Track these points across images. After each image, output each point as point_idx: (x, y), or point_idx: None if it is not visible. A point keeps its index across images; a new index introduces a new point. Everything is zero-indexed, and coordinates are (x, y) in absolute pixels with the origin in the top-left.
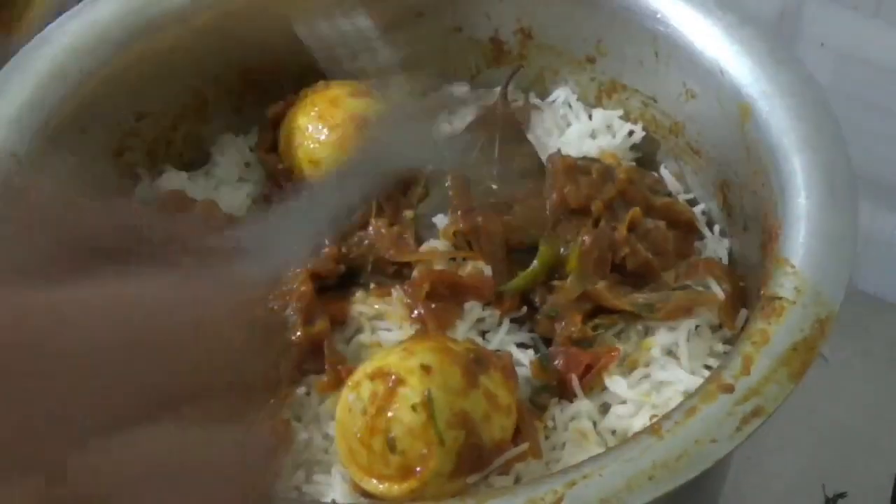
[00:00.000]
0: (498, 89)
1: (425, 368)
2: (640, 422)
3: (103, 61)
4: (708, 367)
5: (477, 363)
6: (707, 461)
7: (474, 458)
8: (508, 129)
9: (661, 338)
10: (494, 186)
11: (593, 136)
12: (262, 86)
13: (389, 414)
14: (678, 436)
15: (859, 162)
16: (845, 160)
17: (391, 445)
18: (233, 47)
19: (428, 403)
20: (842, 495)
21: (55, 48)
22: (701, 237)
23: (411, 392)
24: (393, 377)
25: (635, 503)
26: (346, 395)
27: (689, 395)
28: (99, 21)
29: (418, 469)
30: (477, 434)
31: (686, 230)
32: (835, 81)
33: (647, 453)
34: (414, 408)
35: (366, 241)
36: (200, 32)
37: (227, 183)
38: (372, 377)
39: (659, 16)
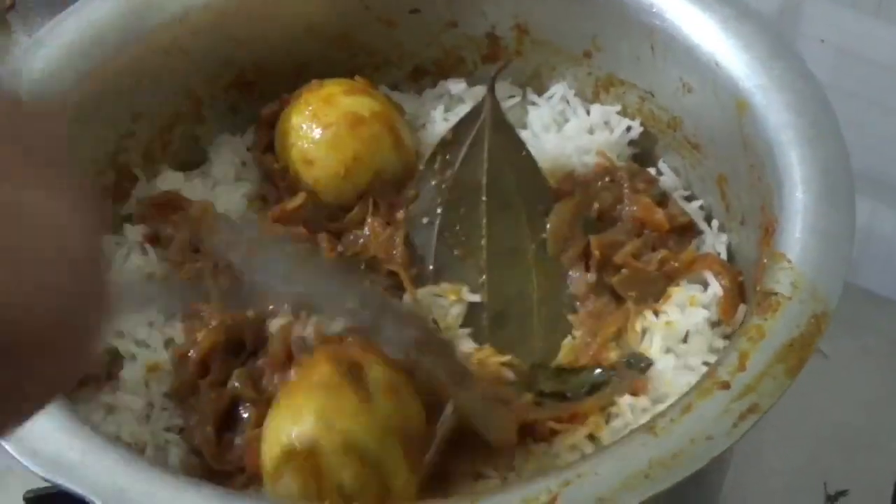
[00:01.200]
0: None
1: (320, 415)
2: (640, 420)
3: (99, 62)
4: (707, 364)
5: (353, 368)
6: (703, 459)
7: (417, 447)
8: (498, 126)
9: (660, 336)
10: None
11: (591, 131)
12: (257, 86)
13: (327, 475)
14: (674, 433)
15: (859, 158)
16: (843, 155)
17: (346, 498)
18: (228, 47)
19: (352, 443)
20: (843, 493)
21: (50, 49)
22: (700, 232)
23: (328, 443)
24: (304, 445)
25: (631, 502)
26: (275, 488)
27: (685, 392)
28: (94, 21)
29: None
30: (403, 430)
31: (683, 231)
32: (835, 78)
33: (642, 451)
34: (344, 453)
35: (361, 241)
36: (196, 32)
37: (223, 183)
38: (285, 459)
39: (655, 10)
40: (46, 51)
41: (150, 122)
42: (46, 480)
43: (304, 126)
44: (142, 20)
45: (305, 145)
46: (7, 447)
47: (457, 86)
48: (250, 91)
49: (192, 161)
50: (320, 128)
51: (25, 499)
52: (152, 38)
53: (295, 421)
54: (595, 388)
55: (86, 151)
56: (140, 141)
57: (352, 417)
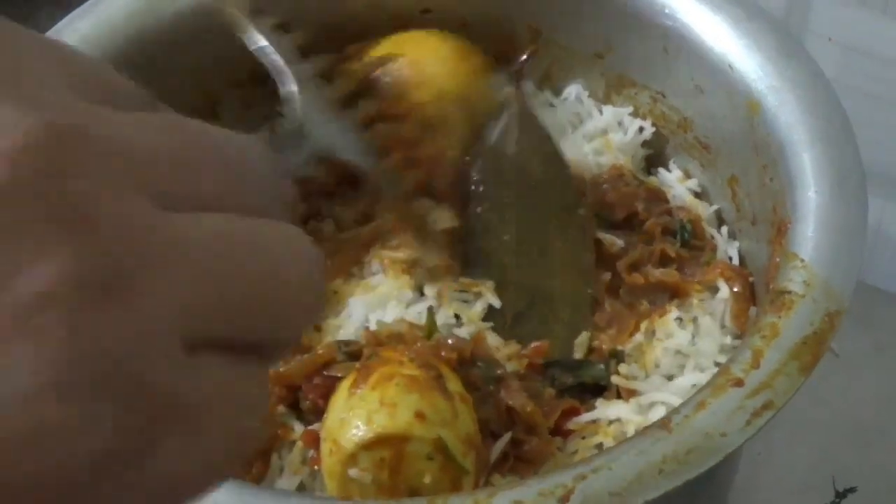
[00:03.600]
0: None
1: (419, 416)
2: (656, 418)
3: (113, 59)
4: (719, 365)
5: (438, 377)
6: (717, 455)
7: (485, 462)
8: (524, 119)
9: (670, 336)
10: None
11: (605, 132)
12: (272, 82)
13: (406, 472)
14: (688, 430)
15: (869, 156)
16: (854, 154)
17: (413, 493)
18: (241, 44)
19: (442, 447)
20: (852, 490)
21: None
22: (710, 236)
23: (420, 445)
24: (395, 439)
25: (646, 497)
26: (342, 472)
27: (698, 390)
28: (109, 19)
29: None
30: (480, 441)
31: (693, 236)
32: (843, 76)
33: (656, 447)
34: (430, 456)
35: None
36: (208, 30)
37: None
38: (369, 446)
39: (667, 10)
40: None
41: None
42: None
43: (427, 37)
44: (155, 15)
45: (429, 50)
46: None
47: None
48: (264, 88)
49: None
50: (446, 38)
51: None
52: (166, 35)
53: (390, 414)
54: (597, 379)
55: None
56: None
57: (445, 423)
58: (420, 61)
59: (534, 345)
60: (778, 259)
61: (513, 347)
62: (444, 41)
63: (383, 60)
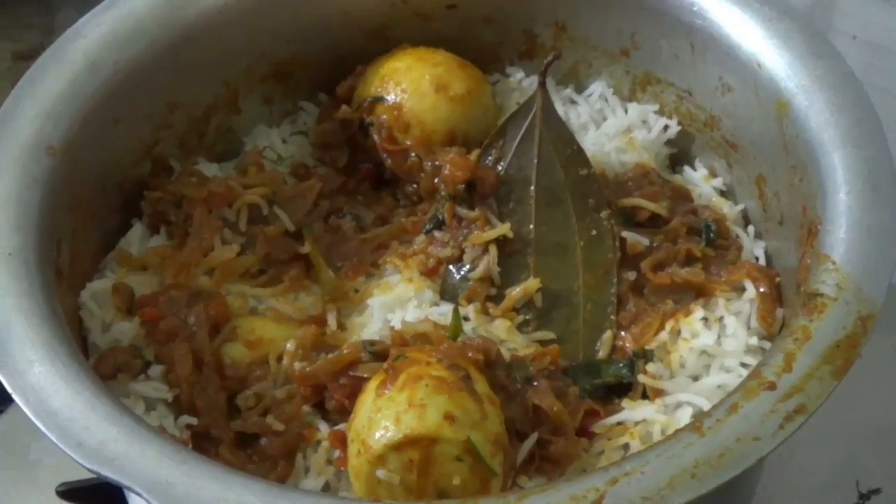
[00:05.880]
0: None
1: (449, 417)
2: (683, 418)
3: (137, 53)
4: (744, 365)
5: (466, 378)
6: (750, 459)
7: (512, 463)
8: (548, 120)
9: (695, 336)
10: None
11: (629, 130)
12: (293, 78)
13: (435, 474)
14: (720, 433)
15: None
16: (886, 155)
17: (441, 494)
18: (265, 40)
19: (471, 448)
20: (876, 491)
21: (89, 40)
22: (736, 236)
23: (449, 446)
24: (424, 441)
25: (678, 501)
26: (370, 473)
27: (730, 392)
28: (132, 13)
29: None
30: (507, 442)
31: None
32: (867, 73)
33: (689, 451)
34: (459, 458)
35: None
36: (232, 24)
37: None
38: (398, 447)
39: (696, 8)
40: (85, 42)
41: (187, 113)
42: (90, 471)
43: (414, 65)
44: (179, 12)
45: (410, 85)
46: (52, 437)
47: (515, 74)
48: (286, 83)
49: (228, 152)
50: (430, 65)
51: (58, 492)
52: (190, 29)
53: (419, 415)
54: (620, 378)
55: (123, 142)
56: (176, 132)
57: (474, 424)
58: (402, 105)
59: (548, 348)
60: (808, 261)
61: (533, 348)
62: (424, 72)
63: (372, 106)
